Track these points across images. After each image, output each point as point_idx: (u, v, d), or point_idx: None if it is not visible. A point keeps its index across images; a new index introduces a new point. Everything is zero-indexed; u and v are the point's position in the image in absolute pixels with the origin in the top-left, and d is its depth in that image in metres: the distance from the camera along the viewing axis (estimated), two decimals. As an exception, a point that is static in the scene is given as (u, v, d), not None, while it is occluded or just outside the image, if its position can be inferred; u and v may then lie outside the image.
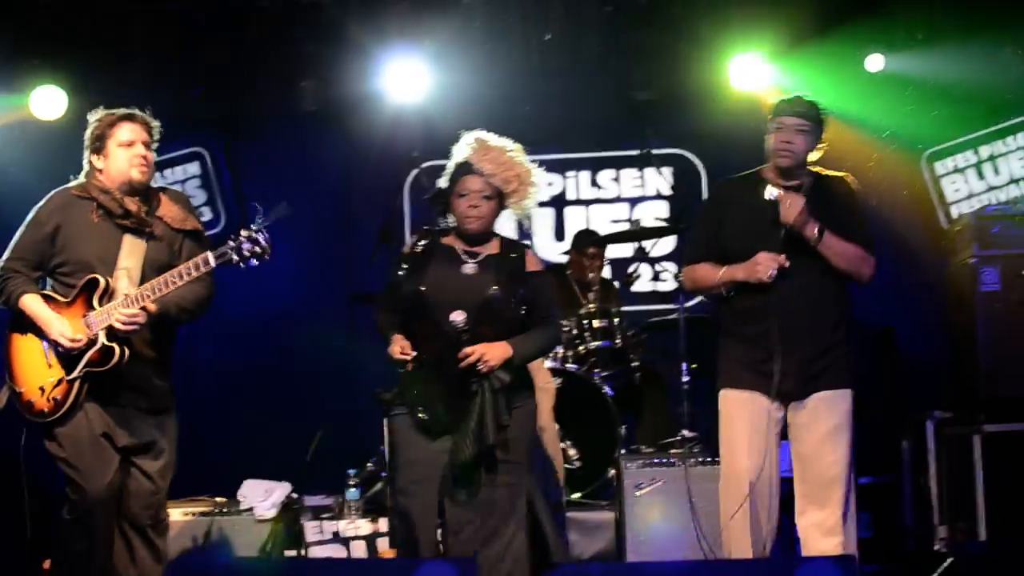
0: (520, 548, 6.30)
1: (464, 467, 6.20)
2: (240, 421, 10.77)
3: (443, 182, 6.51)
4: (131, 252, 6.51)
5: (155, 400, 6.60)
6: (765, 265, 6.43)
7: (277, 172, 11.38)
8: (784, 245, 6.42)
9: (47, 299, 6.49)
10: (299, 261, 11.14)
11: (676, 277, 9.33)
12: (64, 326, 6.38)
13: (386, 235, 9.14)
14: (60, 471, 6.45)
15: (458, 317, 6.16)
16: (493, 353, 6.17)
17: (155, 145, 6.66)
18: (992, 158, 11.14)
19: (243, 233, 6.16)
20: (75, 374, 6.37)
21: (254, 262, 6.17)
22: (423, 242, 6.48)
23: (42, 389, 6.43)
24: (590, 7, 10.57)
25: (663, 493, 8.28)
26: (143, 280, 6.42)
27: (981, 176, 11.16)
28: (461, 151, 6.43)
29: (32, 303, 6.48)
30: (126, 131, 6.53)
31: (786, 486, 6.69)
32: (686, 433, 8.85)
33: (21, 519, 9.44)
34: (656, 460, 8.47)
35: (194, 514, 8.45)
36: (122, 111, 6.60)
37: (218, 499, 8.62)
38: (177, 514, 8.41)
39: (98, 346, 6.34)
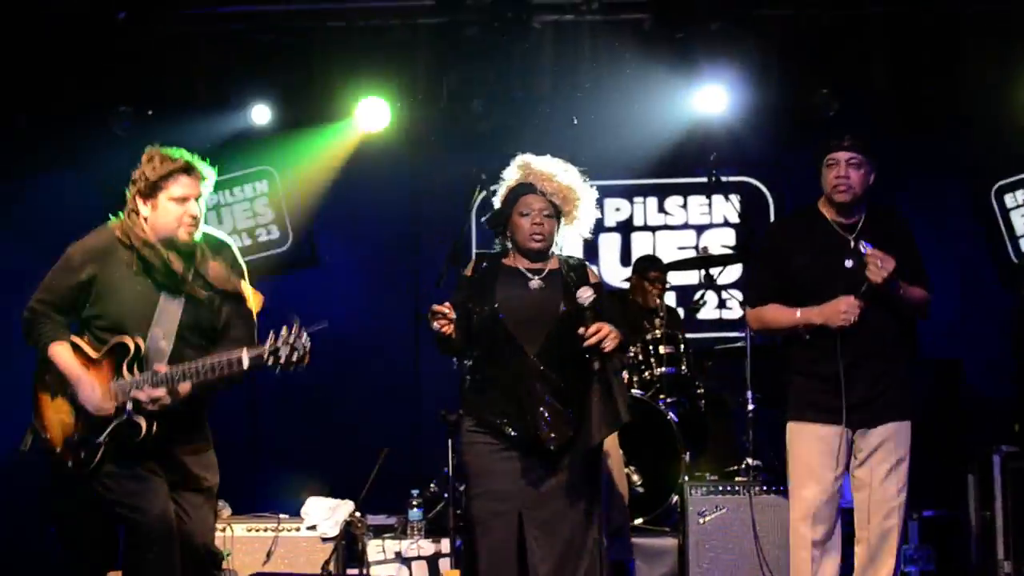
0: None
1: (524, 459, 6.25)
2: (304, 439, 10.81)
3: (498, 203, 6.57)
4: (167, 312, 6.07)
5: (192, 443, 6.23)
6: (850, 312, 6.42)
7: (344, 191, 11.42)
8: (864, 295, 6.41)
9: (76, 349, 6.06)
10: (365, 280, 11.23)
11: (743, 305, 9.30)
12: (94, 391, 5.97)
13: (454, 258, 9.14)
14: (114, 511, 6.10)
15: (584, 293, 6.21)
16: (616, 332, 6.20)
17: (207, 194, 6.15)
18: (1063, 191, 11.09)
19: (282, 334, 5.80)
20: (101, 439, 5.97)
21: (290, 368, 5.81)
22: (484, 265, 6.52)
23: (67, 442, 6.06)
24: (661, 35, 10.59)
25: (727, 521, 8.28)
26: (177, 341, 6.05)
27: (1051, 209, 11.11)
28: (513, 173, 6.50)
29: (62, 355, 6.05)
30: (181, 186, 6.01)
31: (847, 515, 6.69)
32: (750, 461, 8.81)
33: (81, 531, 9.56)
34: (720, 488, 8.44)
35: (258, 530, 8.46)
36: (181, 161, 6.06)
37: (282, 516, 8.63)
38: (241, 530, 8.46)
39: (124, 418, 5.96)
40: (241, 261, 6.37)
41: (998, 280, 10.97)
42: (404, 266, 11.30)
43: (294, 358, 5.77)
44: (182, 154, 6.09)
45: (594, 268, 6.66)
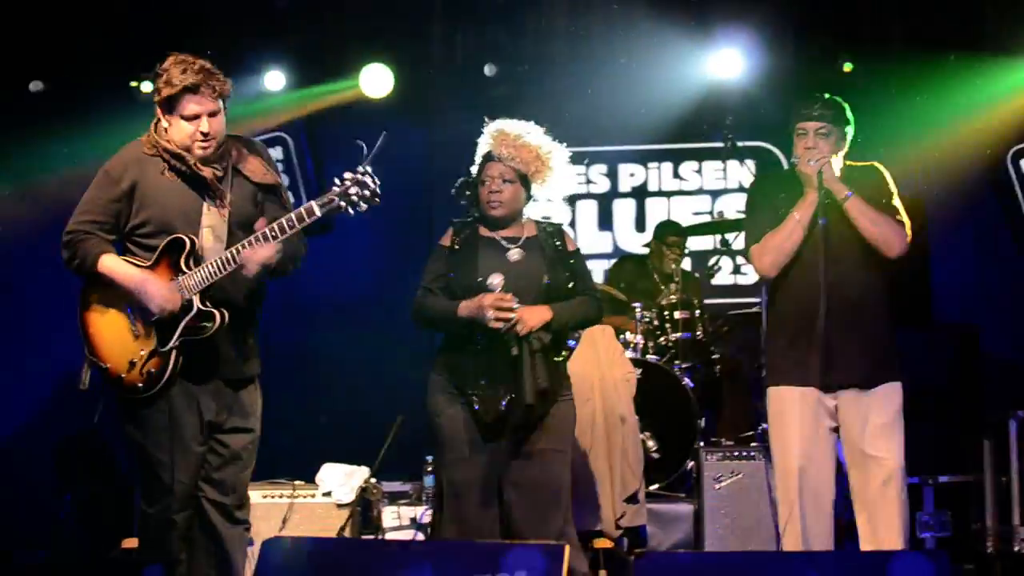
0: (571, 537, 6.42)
1: (493, 426, 6.33)
2: (320, 405, 10.85)
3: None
4: (213, 212, 5.99)
5: (246, 367, 6.14)
6: (810, 154, 6.40)
7: (359, 159, 11.39)
8: (823, 212, 6.36)
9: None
10: (380, 246, 11.23)
11: (745, 254, 9.31)
12: (159, 287, 5.83)
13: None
14: (136, 456, 6.03)
15: (495, 279, 6.28)
16: (532, 315, 6.27)
17: (222, 105, 5.98)
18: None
19: (347, 176, 5.78)
20: (171, 344, 5.85)
21: (363, 206, 5.78)
22: (461, 235, 6.59)
23: (132, 363, 5.89)
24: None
25: (742, 486, 8.28)
26: (229, 239, 5.95)
27: (1069, 175, 11.07)
28: (483, 142, 6.61)
29: (115, 263, 5.91)
30: (190, 105, 5.88)
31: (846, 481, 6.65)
32: (765, 426, 8.79)
33: (98, 498, 9.58)
34: (736, 453, 8.43)
35: (273, 497, 8.47)
36: (187, 80, 5.87)
37: (297, 482, 8.63)
38: (256, 496, 8.44)
39: (194, 312, 5.86)
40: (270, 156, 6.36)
41: (1014, 245, 10.93)
42: (418, 232, 11.26)
43: (367, 193, 5.79)
44: (192, 69, 5.90)
45: (571, 233, 6.70)
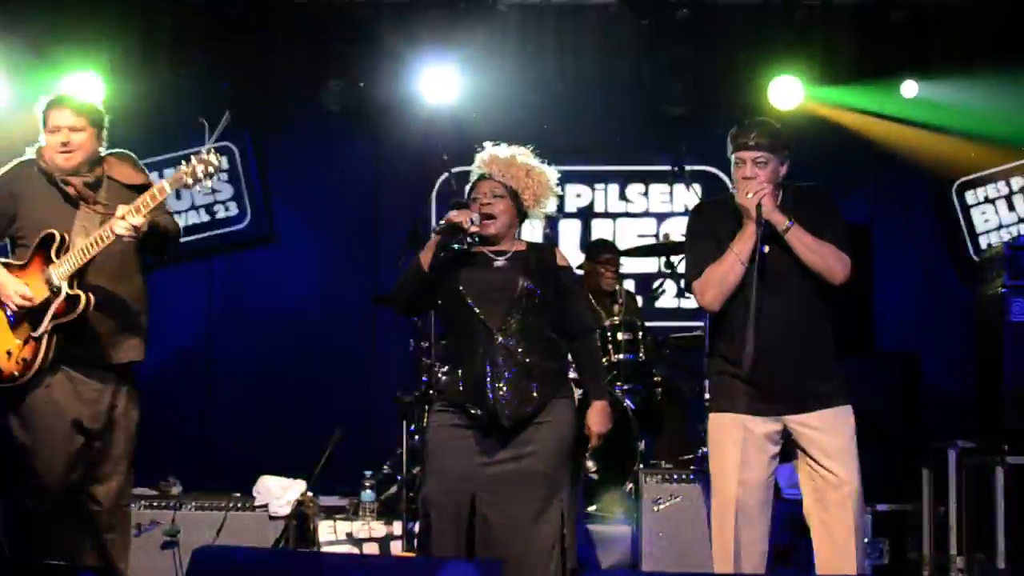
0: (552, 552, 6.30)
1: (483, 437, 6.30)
2: (259, 418, 10.76)
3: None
4: (87, 216, 6.56)
5: (123, 351, 6.63)
6: (750, 185, 6.30)
7: (305, 170, 11.40)
8: (763, 241, 6.30)
9: (6, 266, 6.53)
10: (324, 258, 11.20)
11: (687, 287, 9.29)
12: (18, 285, 6.42)
13: (414, 237, 9.11)
14: (16, 450, 6.48)
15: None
16: (601, 424, 6.62)
17: (86, 123, 6.65)
18: (1024, 189, 11.15)
19: (193, 156, 6.28)
20: (42, 329, 6.40)
21: (208, 183, 6.33)
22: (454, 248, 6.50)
23: (9, 353, 6.44)
24: (626, 21, 10.57)
25: (681, 508, 8.26)
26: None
27: (1012, 207, 11.14)
28: (474, 168, 6.60)
29: None
30: (52, 118, 6.61)
31: (797, 507, 6.62)
32: (705, 450, 8.78)
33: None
34: (675, 476, 8.42)
35: (208, 507, 8.42)
36: (51, 98, 6.71)
37: (234, 494, 8.58)
38: (191, 507, 8.41)
39: (62, 296, 6.39)
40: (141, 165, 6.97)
41: (958, 276, 11.01)
42: (363, 245, 11.25)
43: (210, 169, 6.31)
44: (59, 91, 7.11)
45: (562, 252, 6.66)
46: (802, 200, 6.52)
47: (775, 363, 6.32)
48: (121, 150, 6.93)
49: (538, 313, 6.35)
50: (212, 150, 6.33)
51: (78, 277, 6.44)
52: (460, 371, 6.33)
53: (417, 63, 10.67)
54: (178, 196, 11.19)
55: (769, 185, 6.34)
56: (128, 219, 6.27)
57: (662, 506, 8.27)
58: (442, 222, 6.40)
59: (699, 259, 6.56)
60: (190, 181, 6.28)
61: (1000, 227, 11.16)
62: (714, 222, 6.59)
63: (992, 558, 8.22)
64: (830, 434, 6.37)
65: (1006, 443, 8.29)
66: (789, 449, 6.53)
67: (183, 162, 6.31)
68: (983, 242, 11.12)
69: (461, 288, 6.33)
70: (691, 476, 8.38)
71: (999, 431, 8.41)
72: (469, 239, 6.37)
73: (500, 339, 6.26)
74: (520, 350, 6.27)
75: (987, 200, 11.21)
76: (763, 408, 6.38)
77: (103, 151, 6.76)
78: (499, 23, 10.65)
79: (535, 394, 6.28)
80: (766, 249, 6.34)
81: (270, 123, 11.33)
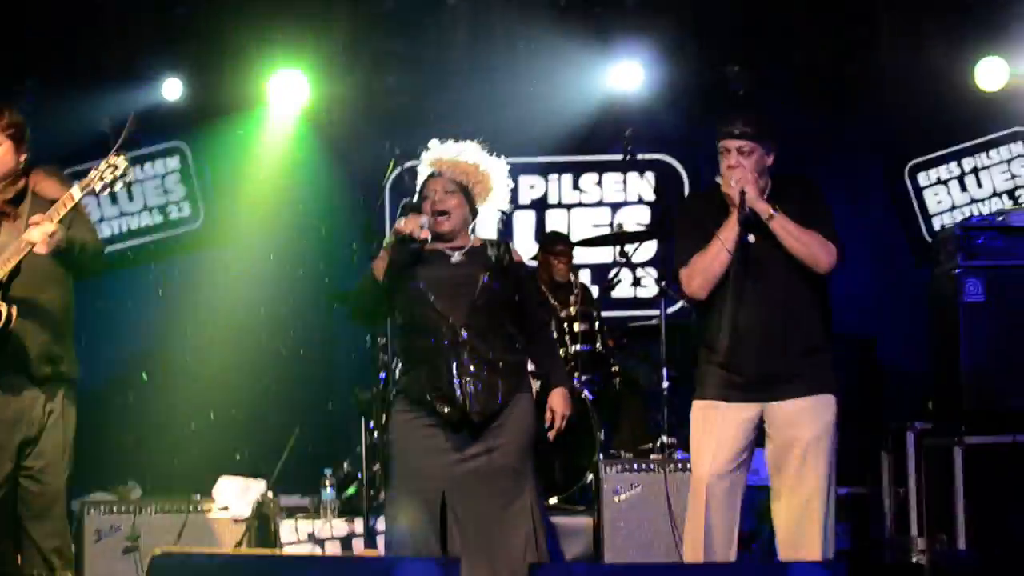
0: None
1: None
2: (217, 419, 10.70)
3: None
4: (8, 232, 6.38)
5: (53, 366, 6.46)
6: (734, 173, 6.35)
7: (258, 168, 11.33)
8: (747, 228, 6.34)
9: None
10: (278, 257, 11.12)
11: (658, 282, 9.25)
12: None
13: (368, 234, 9.07)
14: None
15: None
16: (565, 407, 6.58)
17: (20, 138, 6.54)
18: (975, 170, 11.17)
19: (102, 162, 6.20)
20: None
21: (119, 185, 6.24)
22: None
23: None
24: (576, 7, 10.57)
25: (641, 498, 8.26)
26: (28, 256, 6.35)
27: (964, 188, 11.19)
28: (422, 168, 6.60)
29: None
30: None
31: (763, 493, 6.64)
32: (665, 439, 8.79)
33: None
34: (635, 466, 8.41)
35: (168, 511, 8.38)
36: None
37: (194, 497, 8.54)
38: (151, 511, 8.36)
39: None
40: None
41: (912, 258, 11.05)
42: (317, 244, 11.20)
43: (119, 173, 6.20)
44: None
45: (516, 248, 6.66)
46: (788, 189, 6.54)
47: (753, 351, 6.36)
48: (47, 165, 6.72)
49: (499, 308, 6.38)
50: (120, 154, 6.21)
51: (5, 292, 6.27)
52: (424, 369, 6.31)
53: (367, 57, 10.66)
54: (130, 197, 11.16)
55: (753, 174, 6.37)
56: (43, 226, 6.12)
57: (622, 496, 8.27)
58: (389, 237, 6.39)
59: (686, 248, 6.59)
60: (98, 187, 6.18)
61: (953, 208, 11.21)
62: (702, 212, 6.61)
63: (952, 538, 8.25)
64: (804, 422, 6.38)
65: (963, 423, 8.31)
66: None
67: (93, 168, 6.21)
68: (936, 223, 11.17)
69: (422, 286, 6.33)
70: (651, 466, 8.37)
71: (956, 412, 8.44)
72: (422, 242, 6.35)
73: (464, 335, 6.26)
74: (484, 345, 6.28)
75: (940, 181, 11.26)
76: (738, 395, 6.40)
77: (24, 165, 6.58)
78: (448, 15, 10.62)
79: (501, 388, 6.29)
80: (751, 238, 6.40)
81: (221, 120, 11.26)
